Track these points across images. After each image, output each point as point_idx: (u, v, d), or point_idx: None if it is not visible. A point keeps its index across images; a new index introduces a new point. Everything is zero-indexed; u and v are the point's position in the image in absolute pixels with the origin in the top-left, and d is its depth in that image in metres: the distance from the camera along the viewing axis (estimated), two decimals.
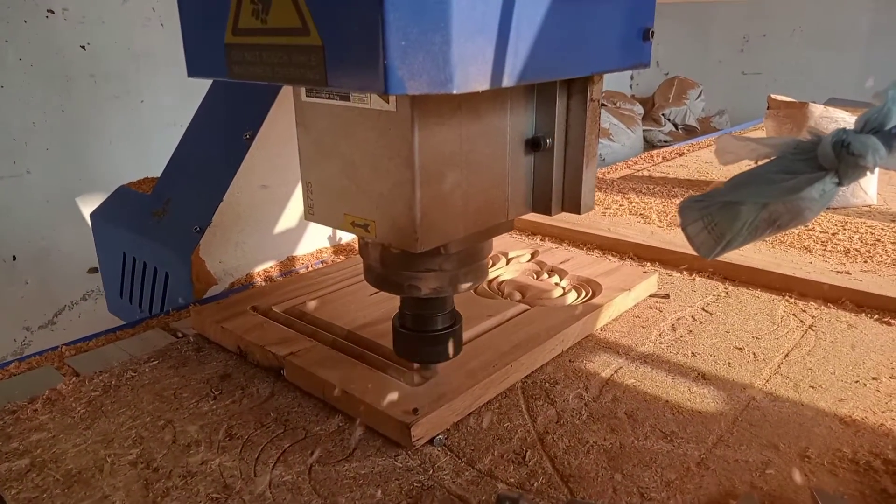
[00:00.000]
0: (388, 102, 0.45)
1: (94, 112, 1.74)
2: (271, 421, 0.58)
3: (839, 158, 0.45)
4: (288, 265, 1.03)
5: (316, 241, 1.08)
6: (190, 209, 0.95)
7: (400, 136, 0.44)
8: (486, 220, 0.52)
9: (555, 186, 0.55)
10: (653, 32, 0.51)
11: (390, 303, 0.75)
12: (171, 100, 1.96)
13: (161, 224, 0.99)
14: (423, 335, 0.56)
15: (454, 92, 0.37)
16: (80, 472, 0.51)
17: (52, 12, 1.62)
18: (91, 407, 0.60)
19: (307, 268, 1.03)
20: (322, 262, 1.06)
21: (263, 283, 0.95)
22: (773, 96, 1.35)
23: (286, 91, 0.86)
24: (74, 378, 0.66)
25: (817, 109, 1.26)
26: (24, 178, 1.66)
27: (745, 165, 0.50)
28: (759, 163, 0.49)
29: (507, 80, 0.40)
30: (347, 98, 0.47)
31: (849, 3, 3.85)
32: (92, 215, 1.13)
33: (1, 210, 1.65)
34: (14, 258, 1.68)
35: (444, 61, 0.36)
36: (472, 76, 0.38)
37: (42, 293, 1.73)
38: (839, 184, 0.46)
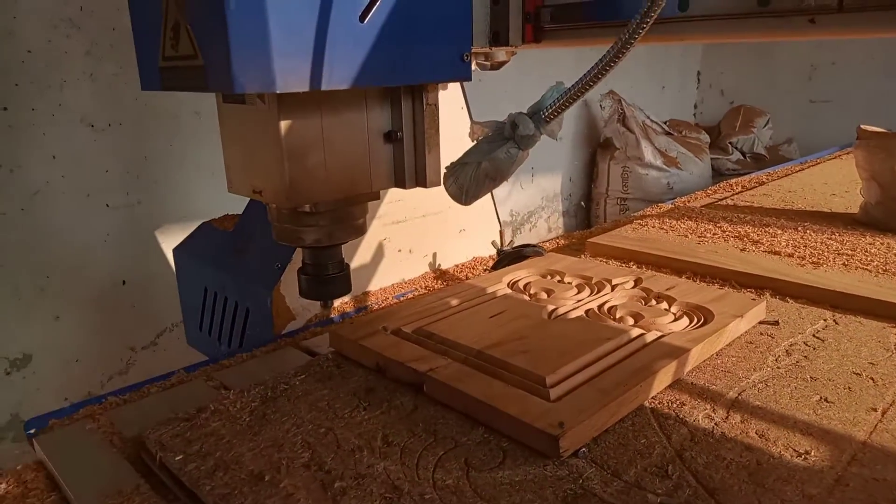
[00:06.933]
0: (264, 103, 0.65)
1: (197, 147, 1.86)
2: (421, 431, 0.63)
3: (514, 131, 0.71)
4: (362, 300, 1.08)
5: (388, 277, 1.13)
6: (271, 246, 0.98)
7: (273, 126, 0.64)
8: (351, 189, 0.72)
9: (407, 168, 0.75)
10: (468, 56, 0.72)
11: (512, 325, 0.80)
12: None
13: (243, 260, 1.06)
14: (319, 277, 0.77)
15: (277, 91, 0.57)
16: (261, 473, 0.57)
17: None
18: (254, 416, 0.67)
19: (380, 303, 1.08)
20: (402, 296, 1.10)
21: (389, 305, 1.01)
22: (863, 126, 1.35)
23: None
24: (232, 391, 0.72)
25: None
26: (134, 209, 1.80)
27: None
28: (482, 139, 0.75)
29: (325, 85, 0.60)
30: (244, 102, 0.67)
31: None
32: (175, 250, 1.22)
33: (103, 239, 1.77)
34: (123, 283, 1.81)
35: (268, 72, 0.56)
36: (291, 82, 0.58)
37: (146, 316, 1.85)
38: (519, 148, 0.72)
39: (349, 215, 0.75)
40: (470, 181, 0.72)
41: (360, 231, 0.78)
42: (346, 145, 0.70)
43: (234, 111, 0.70)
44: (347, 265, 0.79)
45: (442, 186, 0.75)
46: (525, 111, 0.73)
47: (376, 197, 0.76)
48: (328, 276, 0.77)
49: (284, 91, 0.58)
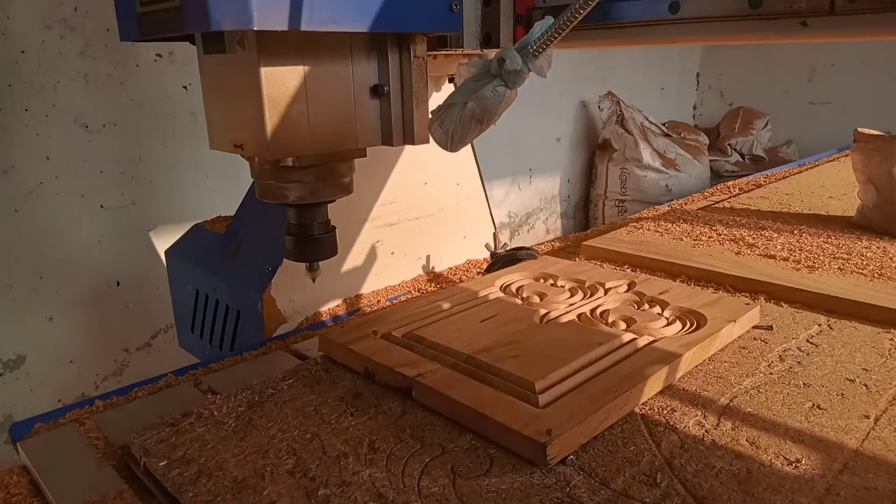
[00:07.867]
0: (244, 49, 0.62)
1: (192, 148, 1.86)
2: (408, 437, 0.62)
3: (500, 67, 0.67)
4: (354, 303, 1.07)
5: (381, 279, 1.11)
6: (262, 249, 1.01)
7: (254, 73, 0.62)
8: (335, 144, 0.69)
9: (394, 124, 0.72)
10: (457, 5, 0.69)
11: (503, 329, 0.79)
12: None
13: (234, 263, 1.05)
14: (304, 237, 0.74)
15: (255, 27, 0.55)
16: (244, 480, 0.56)
17: (160, 56, 1.75)
18: (240, 421, 0.66)
19: (372, 306, 1.07)
20: (395, 299, 1.09)
21: (375, 309, 1.00)
22: (860, 130, 1.34)
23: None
24: (218, 395, 0.72)
25: None
26: (129, 209, 1.79)
27: None
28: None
29: (305, 25, 0.58)
30: (224, 51, 0.64)
31: None
32: (167, 252, 1.21)
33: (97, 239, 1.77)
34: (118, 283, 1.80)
35: (245, 8, 0.54)
36: (269, 19, 0.56)
37: (141, 317, 1.84)
38: (506, 85, 0.67)
39: (335, 172, 0.72)
40: (456, 124, 0.69)
41: (347, 189, 0.75)
42: (330, 98, 0.67)
43: (215, 62, 0.67)
44: (334, 227, 0.77)
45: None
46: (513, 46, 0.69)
47: (363, 154, 0.74)
48: (314, 237, 0.75)
49: (262, 28, 0.56)
